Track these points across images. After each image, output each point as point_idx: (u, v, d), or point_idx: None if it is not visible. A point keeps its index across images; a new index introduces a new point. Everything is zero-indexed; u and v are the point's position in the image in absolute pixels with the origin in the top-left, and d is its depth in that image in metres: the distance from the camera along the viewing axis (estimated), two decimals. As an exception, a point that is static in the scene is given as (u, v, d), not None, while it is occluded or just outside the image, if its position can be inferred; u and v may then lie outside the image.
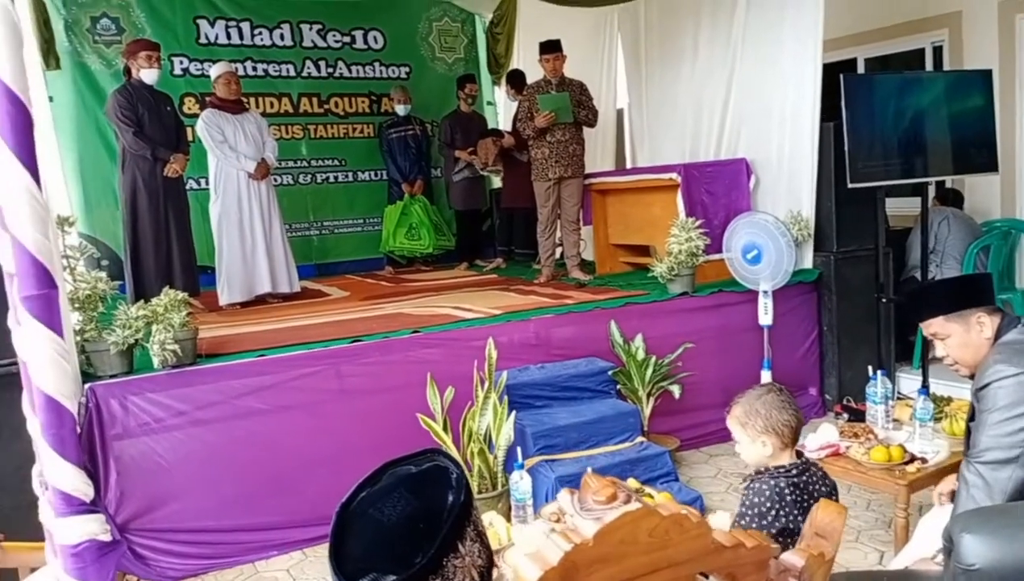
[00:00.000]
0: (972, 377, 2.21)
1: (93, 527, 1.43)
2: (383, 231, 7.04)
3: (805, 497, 2.11)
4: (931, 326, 2.31)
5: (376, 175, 7.60)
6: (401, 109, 6.98)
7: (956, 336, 2.24)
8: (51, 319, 1.45)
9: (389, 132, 7.00)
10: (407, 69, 7.82)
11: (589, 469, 2.21)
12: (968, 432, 2.20)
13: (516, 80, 6.89)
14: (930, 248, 4.77)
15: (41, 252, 1.45)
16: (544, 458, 3.58)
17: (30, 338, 1.48)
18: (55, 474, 1.47)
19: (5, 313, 3.01)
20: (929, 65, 5.82)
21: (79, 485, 1.46)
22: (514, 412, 3.55)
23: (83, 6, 6.44)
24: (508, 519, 3.12)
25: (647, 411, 4.03)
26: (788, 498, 2.06)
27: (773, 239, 4.21)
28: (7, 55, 1.41)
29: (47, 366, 1.46)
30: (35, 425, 1.54)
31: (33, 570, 2.11)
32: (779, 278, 4.28)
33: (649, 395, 4.03)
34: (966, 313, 2.22)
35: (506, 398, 3.59)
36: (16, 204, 1.44)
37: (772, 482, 2.11)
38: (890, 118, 4.30)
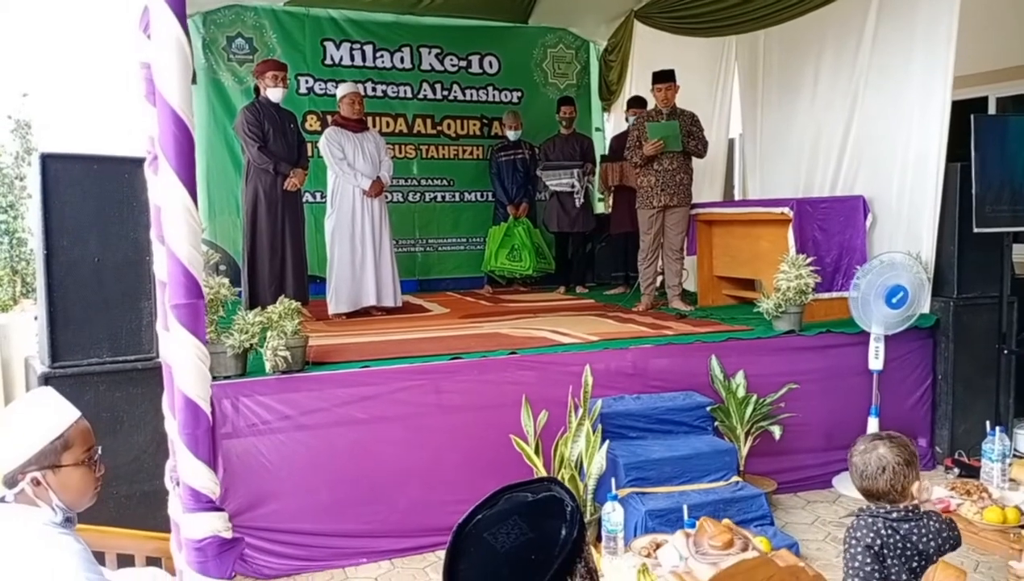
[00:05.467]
0: None
1: (217, 524, 1.52)
2: (486, 251, 7.17)
3: (907, 547, 2.04)
4: None
5: (482, 196, 7.76)
6: (512, 134, 7.10)
7: None
8: (196, 327, 1.57)
9: (499, 155, 7.14)
10: (519, 94, 7.97)
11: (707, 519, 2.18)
12: None
13: (636, 104, 6.85)
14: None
15: (192, 264, 1.58)
16: (635, 490, 3.53)
17: (176, 343, 1.60)
18: (187, 471, 1.58)
19: (135, 315, 3.28)
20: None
21: (208, 483, 1.56)
22: (607, 441, 3.53)
23: (220, 26, 6.87)
24: (595, 548, 3.11)
25: (744, 451, 3.93)
26: (885, 540, 2.02)
27: (915, 280, 4.06)
28: (177, 83, 1.55)
29: (189, 370, 1.57)
30: (172, 425, 1.66)
31: (121, 556, 2.23)
32: (911, 323, 4.13)
33: (747, 434, 3.93)
34: None
35: (600, 426, 3.57)
36: (174, 219, 1.58)
37: (871, 520, 2.08)
38: (1022, 162, 4.09)
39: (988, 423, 3.33)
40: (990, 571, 3.31)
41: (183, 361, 1.54)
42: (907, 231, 4.73)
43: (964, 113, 4.40)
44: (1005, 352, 4.48)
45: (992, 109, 6.10)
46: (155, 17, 1.60)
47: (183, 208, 1.53)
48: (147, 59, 1.69)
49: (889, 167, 4.87)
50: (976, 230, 4.19)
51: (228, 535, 1.56)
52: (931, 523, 2.11)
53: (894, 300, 4.04)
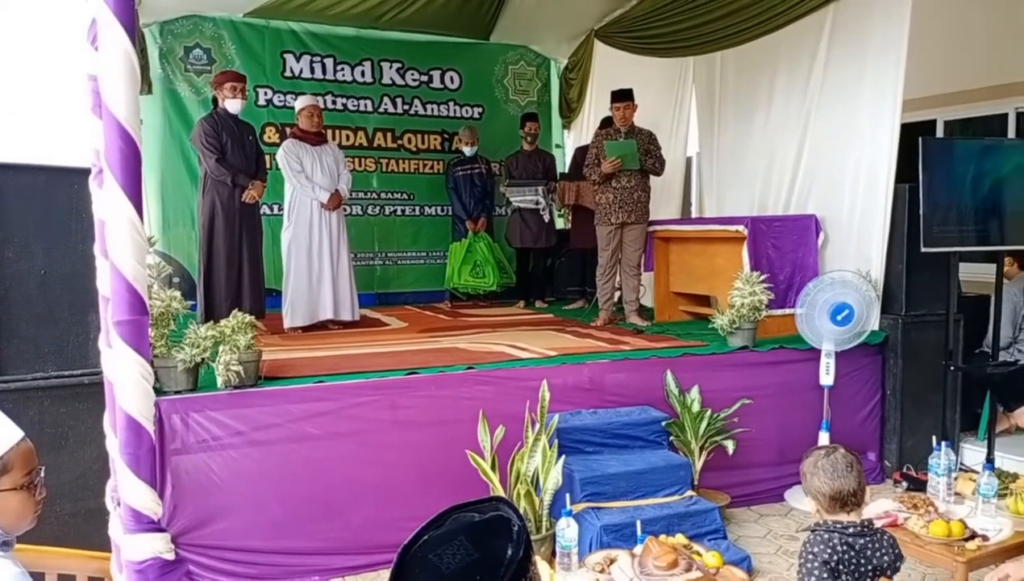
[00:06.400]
0: None
1: (159, 545, 1.48)
2: (448, 268, 7.13)
3: (862, 562, 2.08)
4: None
5: (441, 210, 7.75)
6: (468, 150, 7.10)
7: None
8: (140, 344, 1.53)
9: (456, 169, 7.14)
10: (480, 109, 8.01)
11: (664, 538, 2.19)
12: None
13: (608, 124, 6.90)
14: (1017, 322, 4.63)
15: (136, 280, 1.54)
16: (591, 505, 3.54)
17: (119, 360, 1.56)
18: (128, 491, 1.54)
19: (83, 328, 3.21)
20: (1012, 131, 5.69)
21: (149, 504, 1.52)
22: (563, 456, 3.53)
23: (178, 36, 6.79)
24: (550, 563, 3.10)
25: (699, 465, 3.97)
26: (841, 556, 2.04)
27: (863, 298, 4.15)
28: (124, 95, 1.53)
29: (132, 388, 1.54)
30: (113, 443, 1.62)
31: (63, 577, 2.17)
32: (861, 339, 4.23)
33: (702, 449, 3.97)
34: None
35: (556, 441, 3.57)
36: (118, 234, 1.55)
37: (827, 536, 2.11)
38: (968, 183, 4.22)
39: (935, 438, 3.40)
40: (935, 584, 3.38)
41: (126, 378, 1.50)
42: (857, 250, 4.84)
43: (913, 135, 4.51)
44: (951, 368, 4.58)
45: (940, 132, 6.28)
46: (103, 29, 1.57)
47: (128, 223, 1.50)
48: (94, 71, 1.66)
49: (840, 187, 4.99)
50: (924, 250, 4.30)
51: (170, 556, 1.52)
52: (885, 537, 2.15)
53: (839, 318, 4.13)
